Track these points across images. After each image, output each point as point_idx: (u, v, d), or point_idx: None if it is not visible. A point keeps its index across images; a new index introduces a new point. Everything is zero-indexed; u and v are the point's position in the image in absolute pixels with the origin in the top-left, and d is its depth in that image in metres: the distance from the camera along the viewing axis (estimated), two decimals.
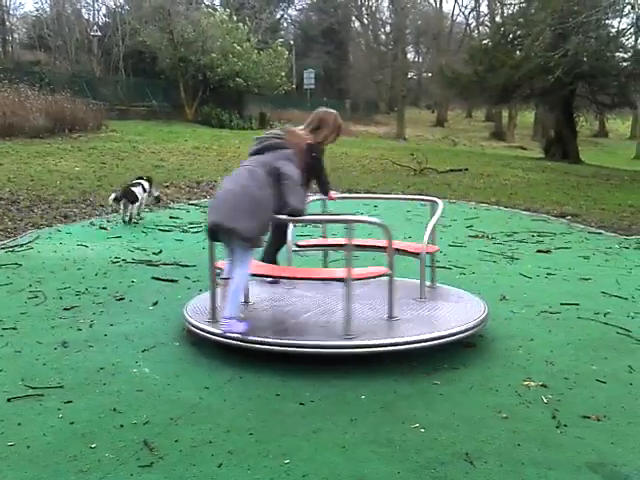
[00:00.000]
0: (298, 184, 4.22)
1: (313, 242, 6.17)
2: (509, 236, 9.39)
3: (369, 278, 4.61)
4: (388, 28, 52.99)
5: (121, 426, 3.30)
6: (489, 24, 41.76)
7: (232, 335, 4.16)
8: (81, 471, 2.88)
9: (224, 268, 4.43)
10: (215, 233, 4.20)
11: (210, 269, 4.54)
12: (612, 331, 5.07)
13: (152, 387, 3.80)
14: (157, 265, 6.80)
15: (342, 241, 4.79)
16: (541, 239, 9.27)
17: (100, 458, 2.99)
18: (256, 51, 31.00)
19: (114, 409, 3.48)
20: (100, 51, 33.11)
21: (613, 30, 27.50)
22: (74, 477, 2.84)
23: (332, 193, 5.78)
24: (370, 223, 4.91)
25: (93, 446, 3.09)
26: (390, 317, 4.52)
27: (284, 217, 4.29)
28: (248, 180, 4.15)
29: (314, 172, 5.34)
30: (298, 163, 4.34)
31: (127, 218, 9.07)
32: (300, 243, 5.78)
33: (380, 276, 4.55)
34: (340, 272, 4.39)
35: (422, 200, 6.57)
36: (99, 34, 33.01)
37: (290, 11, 55.02)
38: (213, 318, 4.45)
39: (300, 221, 4.43)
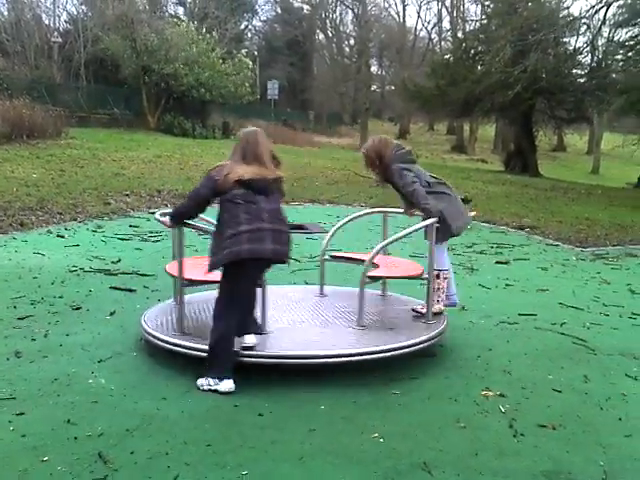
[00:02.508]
0: None
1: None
2: (469, 247, 9.50)
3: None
4: (352, 41, 53.40)
5: (75, 438, 3.22)
6: (451, 39, 42.40)
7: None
8: None
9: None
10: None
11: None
12: (568, 341, 5.16)
13: (108, 398, 3.72)
14: (115, 274, 6.70)
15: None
16: (500, 250, 9.40)
17: (52, 472, 2.91)
18: (221, 61, 30.90)
19: (68, 421, 3.39)
20: (60, 57, 32.59)
21: (570, 48, 28.24)
22: None
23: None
24: None
25: (45, 459, 3.01)
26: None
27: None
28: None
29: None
30: None
31: None
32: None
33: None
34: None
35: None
36: (60, 40, 32.47)
37: (255, 22, 55.01)
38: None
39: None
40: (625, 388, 4.21)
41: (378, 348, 4.19)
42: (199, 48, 29.72)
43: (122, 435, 3.27)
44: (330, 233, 5.57)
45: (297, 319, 4.73)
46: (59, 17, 38.47)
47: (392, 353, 4.22)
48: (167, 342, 4.25)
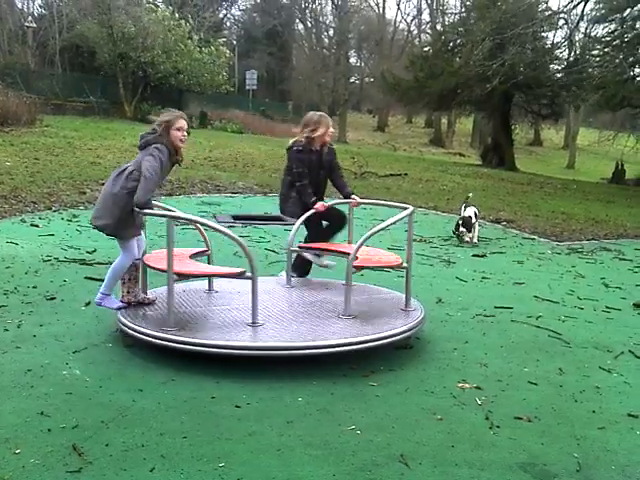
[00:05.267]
0: (147, 177, 4.34)
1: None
2: (446, 240, 9.55)
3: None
4: (331, 32, 53.24)
5: (49, 430, 3.17)
6: (430, 32, 42.49)
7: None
8: (2, 479, 2.75)
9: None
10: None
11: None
12: (544, 334, 5.21)
13: (83, 390, 3.67)
14: (91, 264, 6.61)
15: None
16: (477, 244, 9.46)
17: (24, 464, 2.86)
18: (198, 49, 30.64)
19: (41, 412, 3.34)
20: (35, 43, 32.07)
21: (548, 43, 28.48)
22: None
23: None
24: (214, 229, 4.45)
25: (17, 452, 2.96)
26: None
27: (136, 210, 4.39)
28: (109, 182, 4.69)
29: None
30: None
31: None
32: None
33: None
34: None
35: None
36: (34, 25, 31.92)
37: (233, 11, 54.71)
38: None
39: (145, 214, 4.46)
40: (599, 381, 4.26)
41: (355, 340, 4.19)
42: (176, 35, 29.43)
43: (97, 427, 3.23)
44: (296, 225, 5.50)
45: (272, 311, 4.71)
46: (33, 1, 37.83)
47: (369, 344, 4.22)
48: (143, 334, 4.21)
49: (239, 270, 4.39)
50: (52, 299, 5.35)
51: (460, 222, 9.56)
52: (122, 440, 3.11)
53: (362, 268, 5.19)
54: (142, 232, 4.81)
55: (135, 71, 29.36)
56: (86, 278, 6.05)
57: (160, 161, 4.40)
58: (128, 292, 4.74)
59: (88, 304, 5.24)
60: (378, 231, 4.87)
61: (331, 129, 5.77)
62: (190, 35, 30.78)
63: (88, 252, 7.15)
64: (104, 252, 7.18)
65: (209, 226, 4.43)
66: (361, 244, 4.75)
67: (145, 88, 29.86)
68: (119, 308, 4.63)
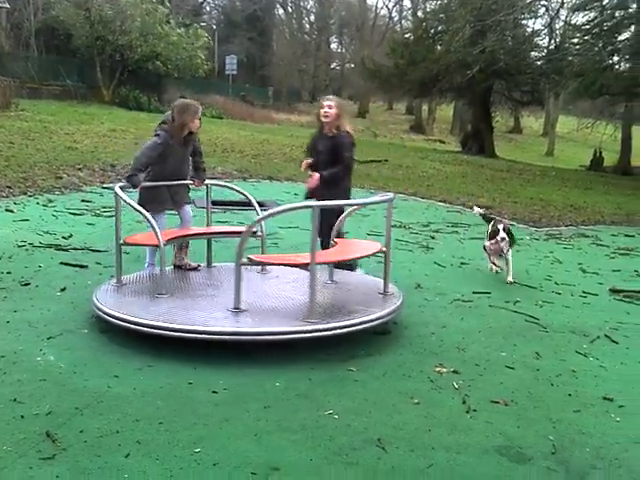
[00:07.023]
0: (135, 155, 5.32)
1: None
2: (425, 226, 9.57)
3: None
4: (312, 17, 52.95)
5: (22, 417, 3.12)
6: (411, 18, 42.40)
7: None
8: None
9: None
10: None
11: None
12: (521, 319, 5.24)
13: (57, 376, 3.63)
14: (66, 250, 6.52)
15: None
16: (456, 229, 9.49)
17: None
18: (176, 32, 30.27)
19: (14, 399, 3.29)
20: (9, 25, 31.42)
21: (529, 30, 28.55)
22: None
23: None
24: None
25: None
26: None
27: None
28: None
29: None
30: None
31: None
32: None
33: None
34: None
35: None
36: (7, 6, 31.24)
37: None
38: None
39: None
40: (575, 364, 4.30)
41: (333, 325, 4.17)
42: (154, 18, 29.04)
43: (71, 413, 3.19)
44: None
45: (259, 296, 4.68)
46: None
47: (347, 330, 4.21)
48: (120, 319, 4.16)
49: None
50: (26, 285, 5.27)
51: (501, 229, 6.34)
52: (97, 426, 3.08)
53: (263, 263, 5.14)
54: (185, 207, 5.60)
55: (112, 55, 28.93)
56: (62, 264, 5.97)
57: (153, 143, 5.16)
58: (175, 257, 5.52)
59: (64, 290, 5.18)
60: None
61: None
62: (168, 18, 30.40)
63: (64, 237, 7.06)
64: (81, 237, 7.10)
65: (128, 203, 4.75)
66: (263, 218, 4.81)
67: (123, 72, 29.46)
68: (149, 265, 5.47)
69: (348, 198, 5.77)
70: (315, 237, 4.29)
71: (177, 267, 5.51)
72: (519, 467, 2.97)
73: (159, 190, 5.37)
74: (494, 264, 6.64)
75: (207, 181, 5.82)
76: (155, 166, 5.27)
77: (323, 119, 5.66)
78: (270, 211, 4.68)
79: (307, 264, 4.25)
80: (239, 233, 5.89)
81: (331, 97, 5.85)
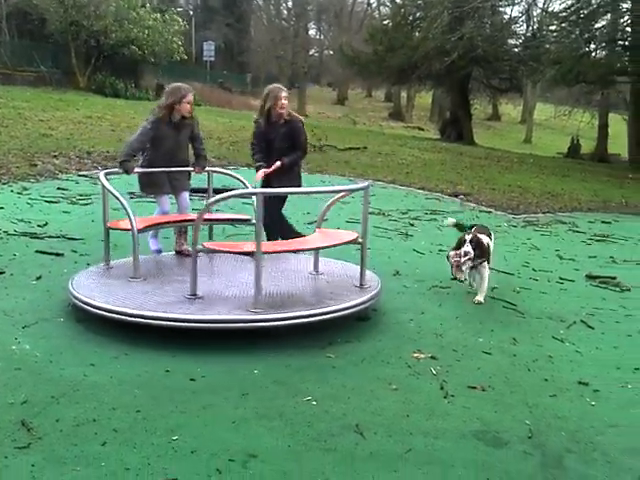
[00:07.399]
0: (128, 142, 5.46)
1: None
2: (404, 213, 9.59)
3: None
4: (290, 3, 52.49)
5: None
6: (390, 4, 42.22)
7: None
8: None
9: None
10: None
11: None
12: (499, 305, 5.28)
13: (32, 364, 3.59)
14: (42, 238, 6.43)
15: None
16: (434, 217, 9.52)
17: None
18: (152, 16, 29.87)
19: None
20: None
21: (506, 17, 28.60)
22: None
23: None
24: None
25: None
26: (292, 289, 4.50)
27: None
28: None
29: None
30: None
31: None
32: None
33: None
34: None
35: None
36: None
37: None
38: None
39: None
40: (552, 350, 4.34)
41: (312, 312, 4.17)
42: (128, 3, 28.64)
43: (47, 402, 3.16)
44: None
45: (225, 283, 4.66)
46: None
47: (326, 316, 4.21)
48: (97, 307, 4.12)
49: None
50: (1, 273, 5.19)
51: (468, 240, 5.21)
52: (73, 415, 3.05)
53: (212, 251, 5.06)
54: (183, 193, 5.70)
55: (87, 40, 28.48)
56: (37, 252, 5.89)
57: (144, 127, 5.36)
58: (176, 242, 5.64)
59: (39, 278, 5.11)
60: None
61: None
62: (144, 3, 30.00)
63: (39, 225, 6.96)
64: (56, 225, 7.01)
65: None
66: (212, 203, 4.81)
67: (98, 58, 29.02)
68: (155, 251, 5.64)
69: (300, 183, 6.02)
70: (260, 225, 4.21)
71: (178, 253, 5.65)
72: (496, 451, 2.99)
73: (155, 174, 5.51)
74: (456, 278, 5.41)
75: (208, 168, 5.92)
76: (150, 150, 5.43)
77: (280, 110, 5.70)
78: (217, 197, 4.62)
79: (252, 252, 4.21)
80: (227, 220, 5.94)
81: (280, 85, 6.02)
